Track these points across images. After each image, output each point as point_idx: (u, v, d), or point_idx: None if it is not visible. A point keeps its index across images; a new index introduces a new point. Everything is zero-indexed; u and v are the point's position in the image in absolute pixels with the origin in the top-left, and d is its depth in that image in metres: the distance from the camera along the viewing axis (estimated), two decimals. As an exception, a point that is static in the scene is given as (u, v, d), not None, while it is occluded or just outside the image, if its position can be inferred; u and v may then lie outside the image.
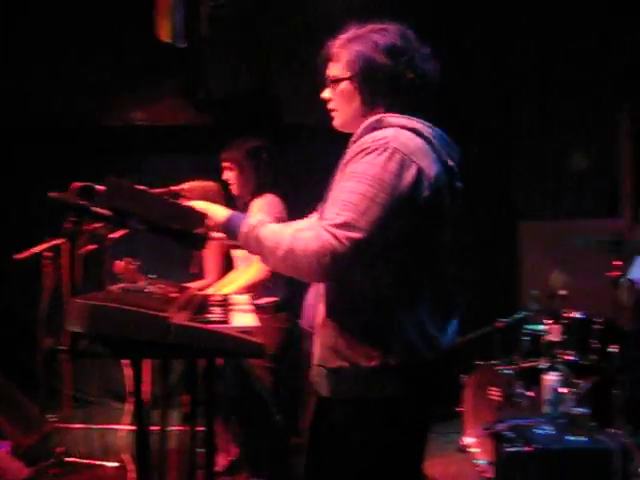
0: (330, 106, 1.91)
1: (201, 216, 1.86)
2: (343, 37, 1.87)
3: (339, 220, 1.65)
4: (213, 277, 3.83)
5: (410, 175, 1.69)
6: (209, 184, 3.97)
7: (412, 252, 1.74)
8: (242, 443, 3.70)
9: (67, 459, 3.97)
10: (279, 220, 3.11)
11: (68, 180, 1.87)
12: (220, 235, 1.86)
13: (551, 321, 3.77)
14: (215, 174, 4.75)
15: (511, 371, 3.81)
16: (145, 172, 5.29)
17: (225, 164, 3.55)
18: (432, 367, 1.76)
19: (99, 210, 1.80)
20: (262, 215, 1.86)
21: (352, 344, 1.74)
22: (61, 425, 4.21)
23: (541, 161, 5.78)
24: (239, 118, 5.38)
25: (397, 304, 1.74)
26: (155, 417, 2.58)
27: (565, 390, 3.41)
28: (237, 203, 3.57)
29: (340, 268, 1.65)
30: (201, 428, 2.36)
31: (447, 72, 1.91)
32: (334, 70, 1.87)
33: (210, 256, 3.85)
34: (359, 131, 1.81)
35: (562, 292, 3.82)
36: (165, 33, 4.43)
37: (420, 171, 1.71)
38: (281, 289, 3.50)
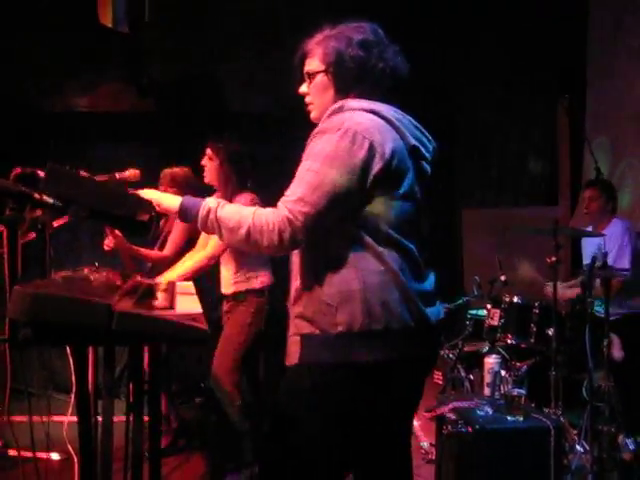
0: (307, 100, 2.01)
1: (145, 202, 1.88)
2: (319, 35, 1.99)
3: (294, 197, 1.78)
4: (169, 251, 3.92)
5: (362, 150, 1.80)
6: (179, 170, 4.00)
7: (369, 223, 1.83)
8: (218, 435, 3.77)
9: (9, 452, 3.90)
10: None
11: (9, 166, 1.85)
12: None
13: (492, 306, 3.90)
14: (157, 160, 4.73)
15: (454, 355, 3.91)
16: (88, 158, 5.19)
17: (209, 152, 3.54)
18: (396, 335, 1.82)
19: (41, 197, 1.79)
20: (216, 199, 1.92)
21: (320, 312, 1.84)
22: (2, 418, 4.13)
23: (483, 150, 5.91)
24: (182, 105, 5.34)
25: (359, 273, 1.81)
26: (99, 407, 2.58)
27: (505, 372, 3.50)
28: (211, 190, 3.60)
29: (297, 240, 1.78)
30: (146, 418, 2.35)
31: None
32: (310, 65, 1.98)
33: (175, 232, 3.93)
34: (323, 117, 1.92)
35: (502, 278, 3.94)
36: (107, 18, 4.37)
37: (372, 146, 1.81)
38: (267, 272, 3.56)
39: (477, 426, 3.02)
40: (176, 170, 4.03)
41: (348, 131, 1.80)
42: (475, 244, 5.68)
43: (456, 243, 5.86)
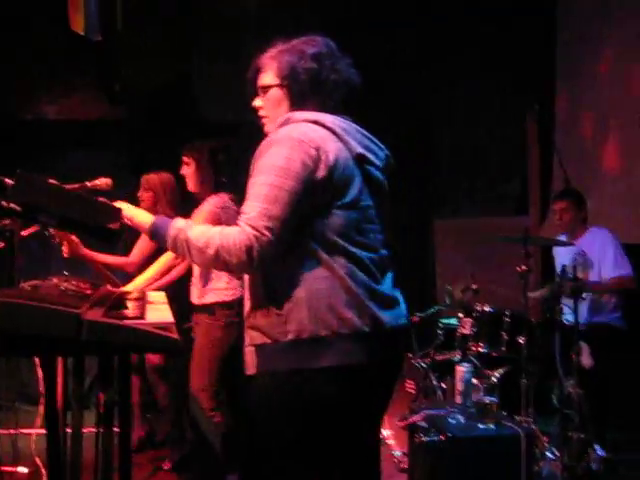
0: (261, 113, 2.04)
1: (115, 211, 1.87)
2: (272, 49, 2.03)
3: (254, 213, 1.80)
4: (136, 258, 3.86)
5: (308, 159, 1.84)
6: (164, 175, 3.97)
7: (315, 232, 1.86)
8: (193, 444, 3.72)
9: (-24, 466, 3.81)
10: (229, 219, 3.11)
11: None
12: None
13: (463, 315, 3.92)
14: (129, 169, 4.69)
15: (426, 364, 3.90)
16: (59, 167, 5.14)
17: (185, 159, 3.52)
18: (347, 340, 1.84)
19: (8, 205, 1.78)
20: (185, 221, 1.94)
21: (271, 322, 1.86)
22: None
23: (454, 161, 5.95)
24: (155, 113, 5.31)
25: (306, 281, 1.85)
26: (69, 419, 2.53)
27: (476, 381, 3.52)
28: (195, 198, 3.57)
29: (266, 257, 1.79)
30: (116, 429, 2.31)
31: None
32: (264, 79, 2.02)
33: (143, 238, 3.84)
34: (272, 129, 1.96)
35: (474, 287, 3.96)
36: (78, 25, 4.33)
37: (317, 155, 1.85)
38: (238, 284, 3.45)
39: (449, 434, 3.03)
40: (151, 175, 4.02)
41: (294, 141, 1.84)
42: (447, 254, 5.71)
43: (428, 252, 5.88)
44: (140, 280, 3.34)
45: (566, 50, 5.59)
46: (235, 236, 1.78)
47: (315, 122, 1.91)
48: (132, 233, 3.95)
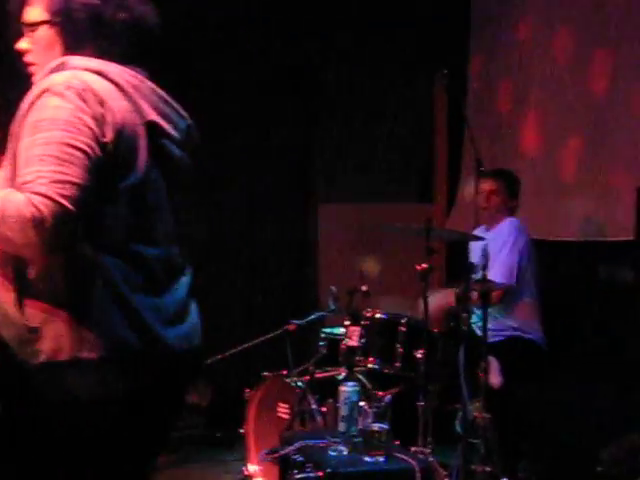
0: (28, 59, 1.97)
1: None
2: None
3: (44, 180, 1.69)
4: None
5: (97, 114, 1.79)
6: None
7: (86, 220, 1.77)
8: None
9: None
10: None
11: None
12: None
13: (350, 323, 3.91)
14: None
15: (303, 383, 3.90)
16: None
17: None
18: (118, 364, 1.80)
19: None
20: None
21: (19, 338, 1.79)
22: None
23: (345, 136, 5.97)
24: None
25: (68, 285, 1.78)
26: None
27: (364, 403, 3.52)
28: None
29: (65, 232, 1.70)
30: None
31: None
32: (31, 14, 1.94)
33: None
34: (40, 76, 1.88)
35: (364, 288, 3.97)
36: None
37: (103, 112, 1.80)
38: None
39: (329, 469, 3.05)
40: None
41: (78, 91, 1.78)
42: (333, 247, 5.74)
43: (309, 245, 5.89)
44: None
45: (482, 4, 5.74)
46: (20, 205, 1.67)
47: (98, 73, 1.85)
48: None
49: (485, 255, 3.70)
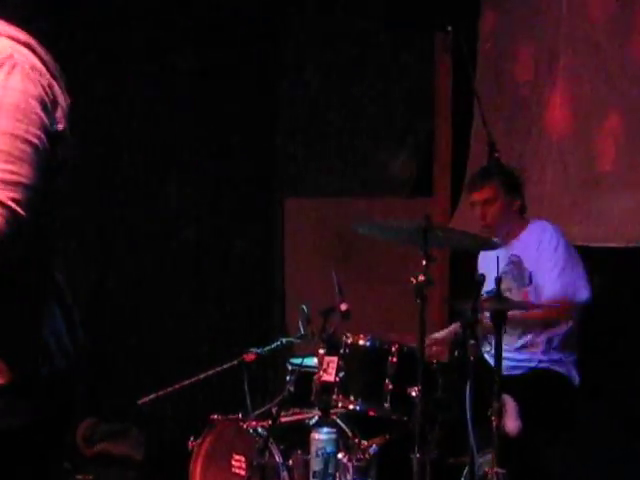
0: None
1: None
2: None
3: None
4: None
5: (45, 98, 1.88)
6: None
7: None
8: None
9: None
10: None
11: None
12: None
13: (325, 352, 3.90)
14: None
15: (264, 429, 3.91)
16: None
17: None
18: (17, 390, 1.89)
19: None
20: None
21: None
22: None
23: (319, 116, 5.99)
24: None
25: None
26: None
27: (343, 455, 3.66)
28: None
29: (15, 242, 1.79)
30: None
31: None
32: None
33: None
34: None
35: (343, 307, 3.96)
36: None
37: (52, 94, 1.90)
38: None
39: None
40: None
41: (24, 68, 1.85)
42: (301, 253, 5.78)
43: (274, 251, 5.93)
44: None
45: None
46: None
47: (28, 46, 1.90)
48: None
49: (517, 269, 3.88)
